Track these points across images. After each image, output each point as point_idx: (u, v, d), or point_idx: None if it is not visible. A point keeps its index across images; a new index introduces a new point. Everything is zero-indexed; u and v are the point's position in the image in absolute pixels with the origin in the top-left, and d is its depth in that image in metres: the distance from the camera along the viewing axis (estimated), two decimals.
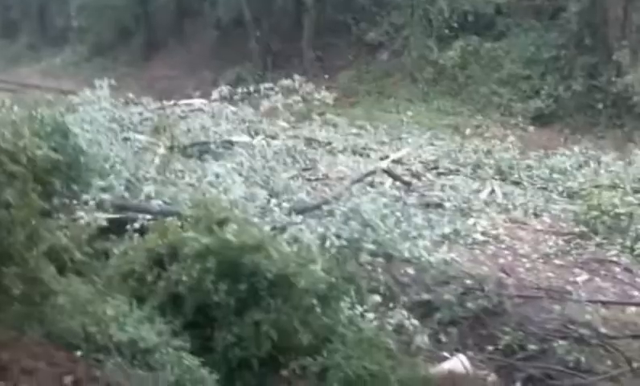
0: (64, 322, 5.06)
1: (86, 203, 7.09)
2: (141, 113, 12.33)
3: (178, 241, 6.05)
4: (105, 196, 7.26)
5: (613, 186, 10.76)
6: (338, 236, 7.54)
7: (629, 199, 9.80)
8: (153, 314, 5.53)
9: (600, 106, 18.41)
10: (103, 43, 30.98)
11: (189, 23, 29.87)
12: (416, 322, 6.82)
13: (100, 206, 7.13)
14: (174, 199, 7.59)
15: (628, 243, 8.70)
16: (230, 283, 5.72)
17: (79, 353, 4.64)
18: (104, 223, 6.89)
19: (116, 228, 7.06)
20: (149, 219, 6.92)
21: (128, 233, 6.83)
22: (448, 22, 21.91)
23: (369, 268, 7.64)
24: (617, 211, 9.17)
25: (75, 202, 7.22)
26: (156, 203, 7.38)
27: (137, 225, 6.93)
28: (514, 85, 20.46)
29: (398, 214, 8.80)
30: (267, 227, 7.23)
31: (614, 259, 8.37)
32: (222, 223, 6.16)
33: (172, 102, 14.49)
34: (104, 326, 5.22)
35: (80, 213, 6.98)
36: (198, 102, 14.59)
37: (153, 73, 27.39)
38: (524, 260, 8.37)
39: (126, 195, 7.70)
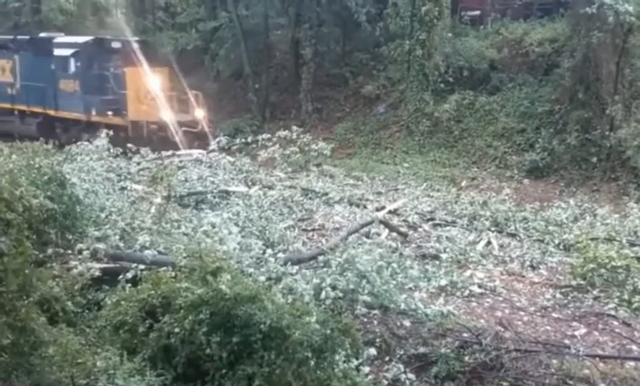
0: (53, 373, 4.98)
1: (80, 252, 7.06)
2: (138, 163, 12.41)
3: (171, 292, 6.01)
4: (100, 246, 7.23)
5: (609, 239, 10.75)
6: (334, 288, 7.48)
7: (626, 252, 9.77)
8: (144, 367, 5.45)
9: (594, 160, 18.58)
10: None
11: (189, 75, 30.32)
12: (412, 376, 6.73)
13: (94, 255, 7.10)
14: (169, 249, 7.55)
15: (625, 296, 8.63)
16: (223, 335, 5.66)
17: None
18: (98, 273, 6.85)
19: (110, 278, 7.02)
20: (142, 270, 6.87)
21: (121, 283, 6.78)
22: (443, 77, 22.29)
23: (365, 320, 7.57)
24: (613, 264, 9.12)
25: (69, 251, 7.19)
26: (150, 253, 7.33)
27: (130, 275, 6.89)
28: (509, 138, 20.68)
29: (394, 265, 8.75)
30: (262, 278, 7.19)
31: (612, 312, 8.29)
32: (216, 273, 6.12)
33: (170, 152, 14.60)
34: (93, 378, 5.14)
35: (74, 262, 6.94)
36: (196, 152, 14.78)
37: None
38: (522, 313, 8.29)
39: (121, 244, 7.66)
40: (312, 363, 5.66)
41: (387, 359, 7.03)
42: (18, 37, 24.32)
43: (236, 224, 9.64)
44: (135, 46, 20.58)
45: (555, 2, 24.12)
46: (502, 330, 7.59)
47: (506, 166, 19.83)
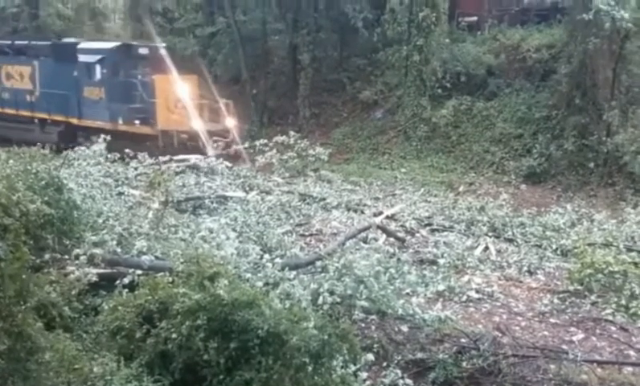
0: (50, 379, 4.97)
1: (77, 257, 7.05)
2: (136, 168, 12.40)
3: (169, 297, 6.00)
4: (97, 251, 7.22)
5: (607, 245, 10.76)
6: (332, 293, 7.48)
7: (623, 257, 9.77)
8: (141, 372, 5.44)
9: (591, 165, 18.63)
10: None
11: None
12: (409, 381, 6.72)
13: (91, 261, 7.09)
14: (166, 255, 7.54)
15: (623, 301, 8.63)
16: (220, 341, 5.65)
17: None
18: (95, 279, 6.84)
19: (107, 283, 7.00)
20: (139, 275, 6.86)
21: (118, 289, 6.76)
22: (441, 82, 22.35)
23: (362, 325, 7.56)
24: (611, 269, 9.13)
25: (66, 256, 7.18)
26: (147, 259, 7.32)
27: (127, 280, 6.88)
28: (506, 144, 20.73)
29: (392, 270, 8.75)
30: (259, 283, 7.18)
31: (610, 318, 8.29)
32: (213, 278, 6.11)
33: (168, 157, 14.58)
34: (90, 384, 5.12)
35: (71, 268, 6.93)
36: (193, 158, 14.76)
37: None
38: (519, 318, 8.28)
39: (118, 249, 7.65)
40: (309, 368, 5.65)
41: (384, 364, 7.02)
42: (38, 42, 23.48)
43: (234, 230, 9.64)
44: (163, 52, 20.04)
45: (552, 8, 24.24)
46: (500, 335, 7.58)
47: (504, 172, 19.87)
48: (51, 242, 7.14)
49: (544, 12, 24.26)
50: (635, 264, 9.64)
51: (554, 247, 11.51)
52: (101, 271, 7.15)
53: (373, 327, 7.62)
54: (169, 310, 5.89)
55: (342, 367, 5.98)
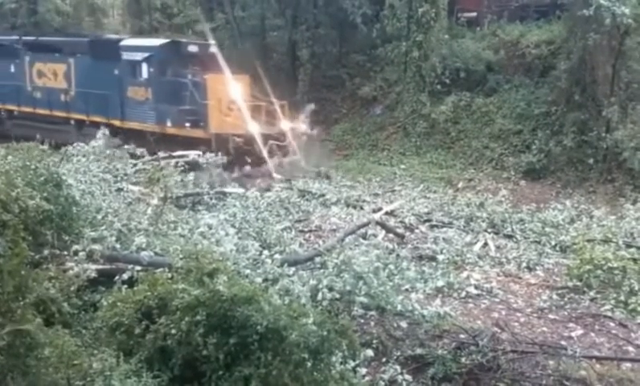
0: (49, 375, 4.96)
1: (76, 253, 7.04)
2: (135, 165, 12.39)
3: (168, 293, 6.00)
4: (96, 247, 7.22)
5: (606, 241, 10.77)
6: (331, 289, 7.49)
7: (622, 253, 9.79)
8: (141, 368, 5.44)
9: (590, 161, 18.62)
10: None
11: None
12: (409, 377, 6.73)
13: (90, 256, 7.09)
14: (166, 251, 7.54)
15: (622, 297, 8.65)
16: (219, 336, 5.65)
17: None
18: (94, 275, 6.84)
19: (106, 279, 7.00)
20: (139, 271, 6.86)
21: (117, 284, 6.77)
22: (440, 78, 22.32)
23: (362, 321, 7.57)
24: (610, 265, 9.14)
25: (65, 252, 7.18)
26: (147, 254, 7.32)
27: (126, 276, 6.88)
28: (505, 140, 20.71)
29: (391, 266, 8.77)
30: (259, 279, 7.19)
31: (609, 314, 8.31)
32: (213, 274, 6.12)
33: (167, 153, 14.57)
34: (89, 380, 5.12)
35: (70, 264, 6.93)
36: (193, 154, 14.70)
37: None
38: (518, 314, 8.29)
39: (117, 245, 7.65)
40: (309, 364, 5.65)
41: (383, 360, 7.03)
42: (74, 39, 22.35)
43: (233, 226, 9.64)
44: (213, 50, 18.81)
45: (552, 4, 24.18)
46: (499, 331, 7.59)
47: (503, 168, 19.85)
48: (50, 238, 7.13)
49: (544, 8, 24.22)
50: (634, 260, 9.66)
51: (553, 243, 11.53)
52: (100, 267, 7.15)
53: (372, 323, 7.63)
54: (168, 306, 5.89)
55: (341, 363, 5.99)
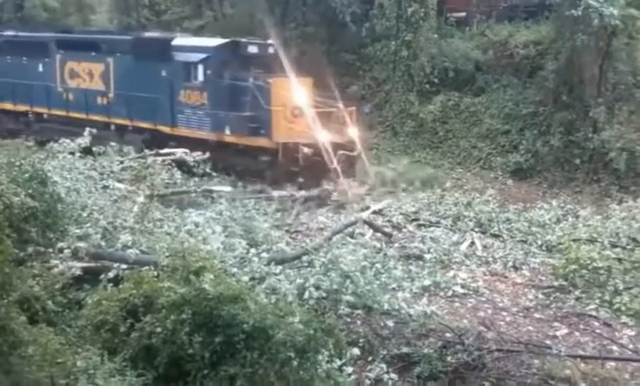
0: (33, 373, 4.93)
1: (61, 251, 6.99)
2: (122, 162, 12.30)
3: (154, 291, 5.97)
4: (81, 244, 7.17)
5: (591, 241, 10.85)
6: (318, 288, 7.49)
7: (607, 253, 9.87)
8: (125, 367, 5.41)
9: (577, 161, 18.76)
10: None
11: None
12: (395, 376, 6.74)
13: (75, 254, 7.04)
14: (152, 249, 7.50)
15: (607, 297, 8.72)
16: (205, 335, 5.63)
17: None
18: (79, 272, 6.79)
19: (91, 277, 6.96)
20: (124, 269, 6.82)
21: (102, 282, 6.72)
22: (429, 78, 22.36)
23: (348, 320, 7.57)
24: (595, 265, 9.22)
25: (50, 250, 7.12)
26: (132, 252, 7.28)
27: (111, 274, 6.83)
28: (493, 139, 20.81)
29: (378, 265, 8.78)
30: (245, 278, 7.17)
31: (593, 313, 8.38)
32: (199, 273, 6.09)
33: (154, 151, 14.46)
34: (73, 378, 5.09)
35: (55, 261, 6.88)
36: (180, 151, 14.54)
37: None
38: (504, 313, 8.34)
39: (103, 243, 7.60)
40: (295, 363, 5.65)
41: (370, 359, 7.04)
42: (114, 36, 20.84)
43: (220, 224, 9.60)
44: (275, 51, 17.14)
45: (540, 4, 24.30)
46: (485, 330, 7.64)
47: (491, 167, 19.96)
48: (35, 235, 7.08)
49: (532, 8, 24.32)
50: (619, 260, 9.75)
51: (539, 242, 11.59)
52: (85, 265, 7.10)
53: (359, 322, 7.64)
54: (154, 304, 5.87)
55: (327, 362, 5.99)
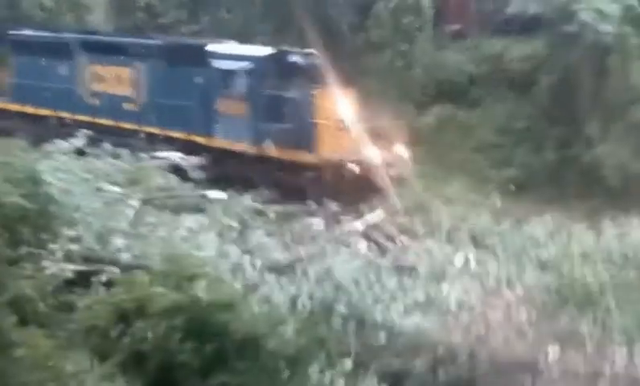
0: (22, 376, 4.89)
1: (53, 253, 6.92)
2: (116, 164, 12.21)
3: (146, 297, 5.93)
4: (74, 247, 7.11)
5: (584, 257, 10.84)
6: (311, 298, 7.46)
7: (600, 270, 9.87)
8: (115, 372, 5.38)
9: (570, 177, 18.80)
10: None
11: None
12: None
13: (67, 257, 6.98)
14: (145, 253, 7.45)
15: (599, 314, 8.72)
16: (197, 342, 5.60)
17: None
18: (71, 275, 6.73)
19: (83, 280, 6.90)
20: (117, 273, 6.76)
21: (94, 286, 6.66)
22: (424, 89, 22.40)
23: (340, 332, 7.53)
24: (588, 282, 9.22)
25: (42, 251, 7.05)
26: (125, 257, 7.22)
27: (103, 278, 6.77)
28: (487, 153, 20.80)
29: (371, 277, 8.74)
30: (238, 285, 7.12)
31: (586, 331, 8.36)
32: (192, 279, 6.06)
33: (149, 155, 14.35)
34: (62, 382, 5.04)
35: (47, 263, 6.81)
36: (175, 156, 14.42)
37: None
38: (496, 331, 8.31)
39: (96, 246, 7.53)
40: (286, 373, 5.63)
41: (361, 371, 7.00)
42: (144, 40, 19.50)
43: (214, 230, 9.55)
44: (318, 61, 16.37)
45: (536, 19, 24.46)
46: (477, 346, 7.60)
47: (484, 181, 19.96)
48: (28, 236, 7.01)
49: (528, 23, 24.47)
50: (612, 277, 9.75)
51: (532, 258, 11.58)
52: (78, 268, 7.03)
53: (351, 334, 7.59)
54: (145, 310, 5.83)
55: (319, 373, 5.96)
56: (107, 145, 13.18)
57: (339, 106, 14.94)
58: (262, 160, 15.42)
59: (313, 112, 15.14)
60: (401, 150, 15.39)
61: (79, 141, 11.15)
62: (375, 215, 13.31)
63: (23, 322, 5.52)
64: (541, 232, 13.14)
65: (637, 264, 10.41)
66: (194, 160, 14.26)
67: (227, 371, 5.60)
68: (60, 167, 9.42)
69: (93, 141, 12.04)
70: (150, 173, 11.10)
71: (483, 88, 22.41)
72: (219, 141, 16.25)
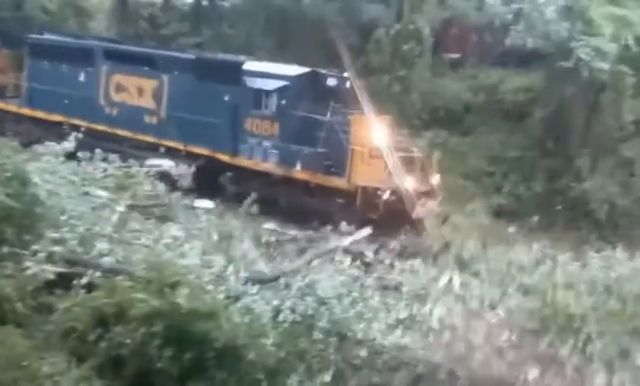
0: None
1: (35, 253, 6.88)
2: (105, 169, 12.19)
3: (126, 301, 5.91)
4: (57, 249, 7.07)
5: (568, 286, 10.90)
6: (293, 311, 7.45)
7: (583, 300, 9.92)
8: (91, 375, 5.35)
9: (558, 208, 18.95)
10: None
11: None
12: None
13: (49, 258, 6.94)
14: (128, 259, 7.42)
15: (580, 343, 8.74)
16: (176, 350, 5.58)
17: None
18: (51, 276, 6.69)
19: (64, 282, 6.86)
20: (98, 276, 6.73)
21: (74, 288, 6.63)
22: (419, 114, 22.59)
23: (321, 346, 7.50)
24: (570, 311, 9.26)
25: (25, 251, 7.02)
26: (108, 261, 7.20)
27: (84, 281, 6.73)
28: (478, 180, 21.01)
29: (355, 294, 8.74)
30: (221, 296, 7.10)
31: (565, 358, 8.39)
32: (174, 286, 6.05)
33: (139, 161, 14.32)
34: (37, 383, 5.01)
35: (29, 263, 6.77)
36: (165, 163, 14.45)
37: None
38: (477, 351, 8.32)
39: (79, 249, 7.50)
40: (265, 384, 5.61)
41: (340, 385, 6.98)
42: (173, 53, 19.54)
43: (198, 239, 9.53)
44: (352, 84, 16.17)
45: (533, 53, 24.77)
46: (457, 367, 7.61)
47: (474, 206, 20.07)
48: (11, 236, 6.98)
49: (525, 56, 24.78)
50: (594, 308, 9.78)
51: (516, 284, 11.61)
52: (59, 270, 6.99)
53: (332, 349, 7.57)
54: (125, 315, 5.80)
55: (297, 385, 5.94)
56: (98, 150, 13.13)
57: (375, 133, 14.64)
58: (288, 182, 15.22)
59: (348, 137, 14.86)
60: (436, 180, 15.35)
61: (70, 144, 11.12)
62: (362, 233, 13.32)
63: (1, 321, 5.50)
64: (527, 258, 13.21)
65: (620, 295, 10.44)
66: (184, 169, 14.26)
67: (205, 379, 5.58)
68: (49, 169, 9.39)
69: (85, 145, 11.94)
70: (139, 179, 11.08)
71: (478, 116, 22.70)
72: (244, 161, 16.12)
